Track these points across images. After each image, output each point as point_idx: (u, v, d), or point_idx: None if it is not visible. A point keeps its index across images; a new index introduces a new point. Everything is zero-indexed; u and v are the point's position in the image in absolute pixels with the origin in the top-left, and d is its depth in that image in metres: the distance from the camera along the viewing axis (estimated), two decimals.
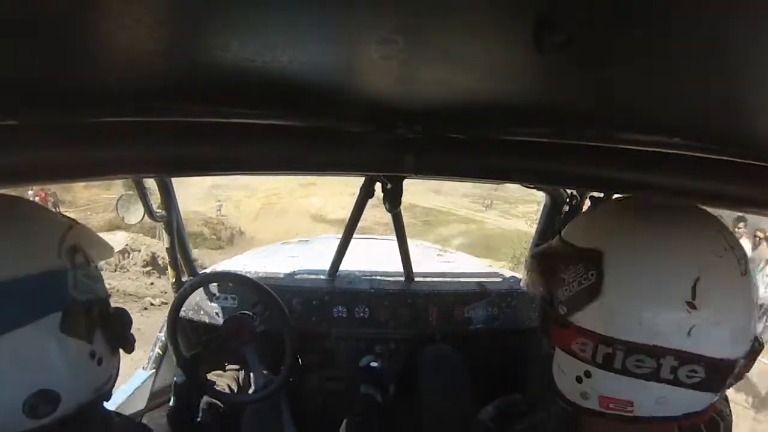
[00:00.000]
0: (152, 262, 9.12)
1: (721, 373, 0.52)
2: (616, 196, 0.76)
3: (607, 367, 0.53)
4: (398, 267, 1.65)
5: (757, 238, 5.23)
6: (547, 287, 0.61)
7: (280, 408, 1.36)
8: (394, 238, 1.59)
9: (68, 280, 0.58)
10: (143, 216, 1.43)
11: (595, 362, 0.54)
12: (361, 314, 1.52)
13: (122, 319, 0.67)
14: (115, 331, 0.65)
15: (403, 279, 1.63)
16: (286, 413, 1.36)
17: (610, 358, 0.53)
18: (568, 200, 1.45)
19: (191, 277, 1.63)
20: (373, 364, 1.30)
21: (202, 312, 1.57)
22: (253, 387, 1.36)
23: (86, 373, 0.59)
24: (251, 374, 1.37)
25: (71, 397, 0.57)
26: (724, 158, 0.64)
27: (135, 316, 0.78)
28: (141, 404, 1.57)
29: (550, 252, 0.65)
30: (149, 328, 3.31)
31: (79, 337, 0.58)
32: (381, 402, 1.13)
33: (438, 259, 2.36)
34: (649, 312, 0.52)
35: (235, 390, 1.38)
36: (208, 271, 1.74)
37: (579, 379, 0.56)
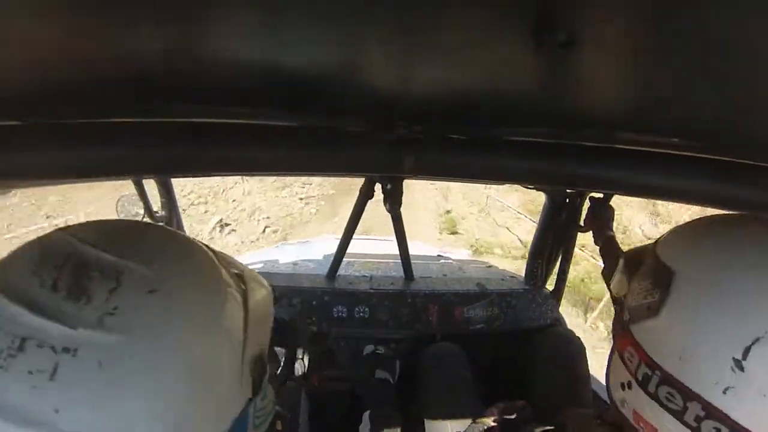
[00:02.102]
0: None
1: None
2: (728, 212, 0.68)
3: (643, 386, 0.52)
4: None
5: None
6: (624, 289, 0.60)
7: (299, 406, 1.36)
8: (394, 238, 1.59)
9: (249, 421, 0.41)
10: (143, 216, 1.43)
11: (635, 377, 0.53)
12: (361, 314, 1.52)
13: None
14: None
15: (403, 279, 1.63)
16: (305, 409, 1.36)
17: (647, 379, 0.51)
18: (568, 200, 1.45)
19: None
20: (378, 351, 1.29)
21: None
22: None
23: None
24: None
25: None
26: (724, 158, 0.64)
27: None
28: None
29: (637, 253, 0.61)
30: None
31: None
32: (393, 383, 1.14)
33: (438, 260, 2.36)
34: (695, 352, 0.47)
35: None
36: None
37: (623, 386, 0.56)
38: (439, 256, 2.46)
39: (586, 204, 1.28)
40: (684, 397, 0.48)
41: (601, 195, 1.18)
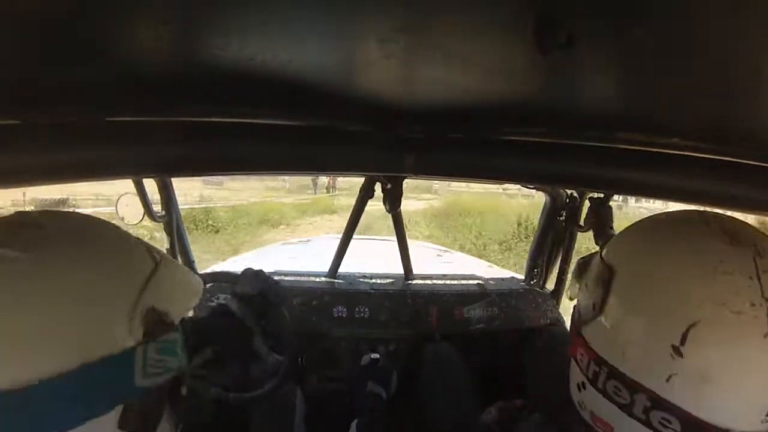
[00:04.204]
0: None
1: None
2: (671, 208, 0.68)
3: (593, 384, 0.53)
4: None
5: None
6: (576, 292, 0.61)
7: (295, 408, 1.35)
8: (394, 238, 1.59)
9: (136, 364, 0.44)
10: (143, 216, 1.43)
11: (587, 376, 0.54)
12: (361, 314, 1.52)
13: (192, 404, 0.53)
14: (181, 419, 0.52)
15: (403, 279, 1.63)
16: (301, 414, 1.36)
17: (596, 376, 0.52)
18: (568, 200, 1.45)
19: None
20: (374, 355, 1.29)
21: (202, 312, 1.56)
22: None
23: None
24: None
25: None
26: (725, 158, 0.64)
27: None
28: None
29: (587, 258, 0.62)
30: None
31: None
32: (385, 398, 1.13)
33: (438, 260, 2.36)
34: (636, 344, 0.49)
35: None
36: (208, 271, 1.74)
37: (578, 387, 0.57)
38: (439, 255, 2.46)
39: (586, 204, 1.28)
40: (630, 390, 0.48)
41: (601, 195, 1.18)
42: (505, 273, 1.93)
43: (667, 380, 0.46)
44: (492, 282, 1.66)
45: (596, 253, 0.61)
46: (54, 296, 0.41)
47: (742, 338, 0.44)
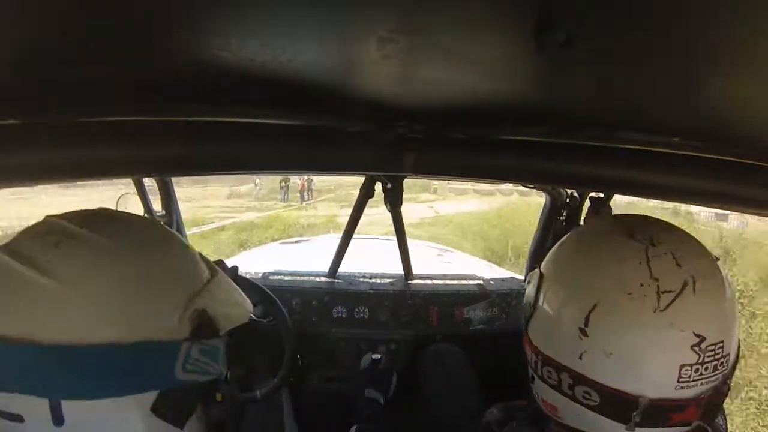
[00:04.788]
0: None
1: (620, 405, 0.52)
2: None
3: (535, 372, 0.61)
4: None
5: None
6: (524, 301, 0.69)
7: (282, 407, 1.36)
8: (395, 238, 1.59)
9: (179, 357, 0.48)
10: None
11: (531, 367, 0.62)
12: (361, 314, 1.51)
13: (226, 409, 0.55)
14: (211, 420, 0.54)
15: (403, 279, 1.63)
16: (289, 412, 1.36)
17: (536, 365, 0.61)
18: (568, 200, 1.45)
19: None
20: (375, 356, 1.29)
21: None
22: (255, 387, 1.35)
23: None
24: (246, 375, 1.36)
25: None
26: (724, 158, 0.64)
27: None
28: None
29: (534, 270, 0.71)
30: None
31: (171, 422, 0.48)
32: (383, 403, 1.13)
33: (438, 260, 2.36)
34: (555, 330, 0.57)
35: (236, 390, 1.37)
36: None
37: (531, 379, 0.64)
38: (439, 255, 2.46)
39: (586, 204, 1.27)
40: (557, 370, 0.56)
41: (601, 195, 1.18)
42: (506, 273, 1.93)
43: (580, 358, 0.54)
44: (492, 282, 1.65)
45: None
46: (127, 278, 0.46)
47: (635, 314, 0.51)
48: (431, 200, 14.92)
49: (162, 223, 1.49)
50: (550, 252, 0.67)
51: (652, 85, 0.44)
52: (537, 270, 0.65)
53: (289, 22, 0.34)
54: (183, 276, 0.51)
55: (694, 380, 0.51)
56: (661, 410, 0.52)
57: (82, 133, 0.59)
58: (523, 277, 1.71)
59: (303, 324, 1.46)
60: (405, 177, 1.09)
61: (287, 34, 0.36)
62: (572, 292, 0.56)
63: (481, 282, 1.64)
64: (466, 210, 12.46)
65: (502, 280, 1.71)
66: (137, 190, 1.36)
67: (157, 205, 1.46)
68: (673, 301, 0.50)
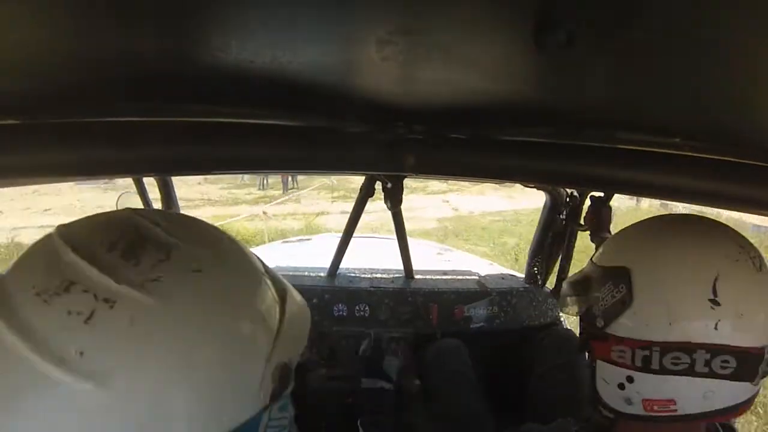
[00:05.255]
0: None
1: (752, 362, 0.56)
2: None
3: (646, 369, 0.58)
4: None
5: None
6: (585, 306, 0.67)
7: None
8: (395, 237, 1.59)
9: (260, 429, 0.39)
10: None
11: (635, 366, 0.59)
12: (362, 313, 1.52)
13: None
14: None
15: (403, 277, 1.63)
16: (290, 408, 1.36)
17: (647, 360, 0.58)
18: (568, 200, 1.45)
19: None
20: (366, 351, 1.28)
21: None
22: None
23: None
24: None
25: None
26: (724, 158, 0.64)
27: None
28: None
29: (583, 277, 0.70)
30: None
31: None
32: (384, 387, 1.13)
33: (438, 258, 2.36)
34: (678, 313, 0.57)
35: None
36: None
37: (622, 386, 0.61)
38: (439, 254, 2.46)
39: (586, 204, 1.27)
40: (689, 352, 0.56)
41: (601, 195, 1.18)
42: (506, 271, 1.93)
43: (716, 327, 0.55)
44: (492, 280, 1.66)
45: (584, 269, 0.70)
46: (187, 358, 0.35)
47: (747, 275, 0.57)
48: (443, 191, 11.99)
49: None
50: (619, 245, 0.68)
51: (652, 85, 0.44)
52: (601, 271, 0.65)
53: (289, 23, 0.34)
54: (257, 330, 0.40)
55: None
56: None
57: (82, 133, 0.59)
58: (522, 276, 1.71)
59: None
60: (405, 177, 1.09)
61: (287, 36, 0.36)
62: (688, 272, 0.58)
63: (481, 280, 1.64)
64: (491, 209, 10.35)
65: (502, 278, 1.71)
66: (137, 190, 1.36)
67: (157, 205, 1.46)
68: (762, 263, 0.58)
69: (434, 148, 0.74)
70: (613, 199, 1.19)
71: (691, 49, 0.34)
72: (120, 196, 1.48)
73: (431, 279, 1.64)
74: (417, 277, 1.63)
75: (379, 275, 1.63)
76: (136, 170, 0.85)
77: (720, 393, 0.57)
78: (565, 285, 0.73)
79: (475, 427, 1.16)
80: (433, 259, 2.31)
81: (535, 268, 1.64)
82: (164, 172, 1.18)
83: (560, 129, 0.64)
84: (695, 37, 0.32)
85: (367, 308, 1.52)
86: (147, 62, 0.43)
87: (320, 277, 1.60)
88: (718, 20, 0.29)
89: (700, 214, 0.68)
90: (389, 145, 0.72)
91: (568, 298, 0.71)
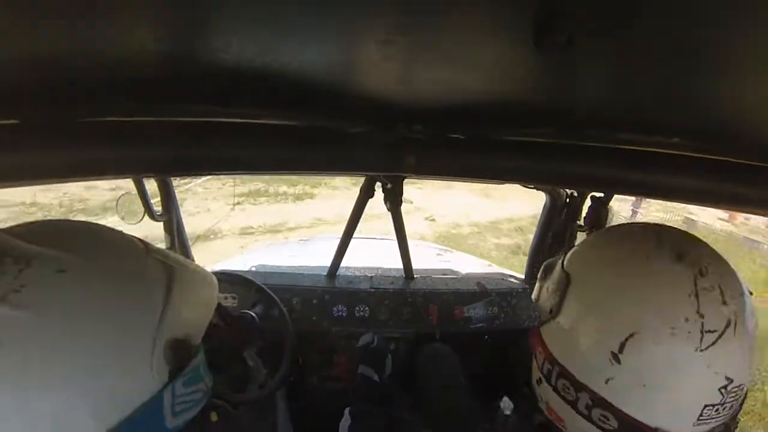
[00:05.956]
0: None
1: None
2: (617, 223, 0.75)
3: (547, 380, 0.58)
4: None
5: None
6: (536, 295, 0.66)
7: (276, 406, 1.36)
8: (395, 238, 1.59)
9: (165, 407, 0.39)
10: (143, 216, 1.43)
11: (542, 373, 0.59)
12: (361, 313, 1.52)
13: (222, 422, 0.47)
14: None
15: (403, 278, 1.63)
16: (284, 412, 1.36)
17: (549, 373, 0.58)
18: (568, 200, 1.45)
19: None
20: (372, 344, 1.29)
21: None
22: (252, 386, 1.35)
23: None
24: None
25: None
26: (724, 158, 0.64)
27: None
28: None
29: (549, 263, 0.67)
30: None
31: None
32: (378, 380, 1.14)
33: (438, 259, 2.36)
34: (582, 347, 0.53)
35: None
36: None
37: (537, 382, 0.61)
38: (439, 254, 2.46)
39: (587, 204, 1.27)
40: (576, 388, 0.54)
41: (601, 195, 1.18)
42: (505, 272, 1.93)
43: (606, 383, 0.51)
44: (492, 281, 1.66)
45: (560, 258, 0.65)
46: (68, 363, 0.34)
47: (674, 351, 0.48)
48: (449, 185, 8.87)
49: (162, 223, 1.50)
50: (578, 252, 0.61)
51: (651, 85, 0.44)
52: (559, 269, 0.60)
53: (289, 23, 0.34)
54: (138, 311, 0.40)
55: (711, 418, 0.50)
56: None
57: (82, 133, 0.59)
58: (522, 276, 1.71)
59: (303, 323, 1.46)
60: (405, 177, 1.09)
61: (288, 36, 0.36)
62: (609, 314, 0.52)
63: (480, 281, 1.64)
64: (510, 214, 8.24)
65: (502, 279, 1.71)
66: (137, 190, 1.36)
67: (157, 206, 1.46)
68: (715, 342, 0.48)
69: (434, 148, 0.74)
70: (613, 199, 1.19)
71: (690, 49, 0.34)
72: (120, 197, 1.48)
73: (431, 279, 1.64)
74: (417, 277, 1.63)
75: (378, 275, 1.63)
76: (136, 170, 0.85)
77: None
78: (541, 268, 0.70)
79: (466, 423, 1.16)
80: (433, 260, 2.31)
81: (535, 269, 1.64)
82: (164, 172, 1.18)
83: (560, 129, 0.64)
84: (695, 37, 0.32)
85: (366, 309, 1.52)
86: (147, 62, 0.43)
87: (320, 278, 1.60)
88: (717, 20, 0.29)
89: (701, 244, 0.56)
90: (389, 146, 0.72)
91: (537, 282, 0.68)
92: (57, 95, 0.51)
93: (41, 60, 0.40)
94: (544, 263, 0.69)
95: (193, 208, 6.97)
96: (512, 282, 1.70)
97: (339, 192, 9.08)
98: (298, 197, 8.81)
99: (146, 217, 1.44)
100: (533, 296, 0.69)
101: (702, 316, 0.48)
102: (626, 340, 0.49)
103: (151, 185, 1.45)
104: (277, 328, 1.33)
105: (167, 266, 0.45)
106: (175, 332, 0.41)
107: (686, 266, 0.50)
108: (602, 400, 0.51)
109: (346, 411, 0.97)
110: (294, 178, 8.58)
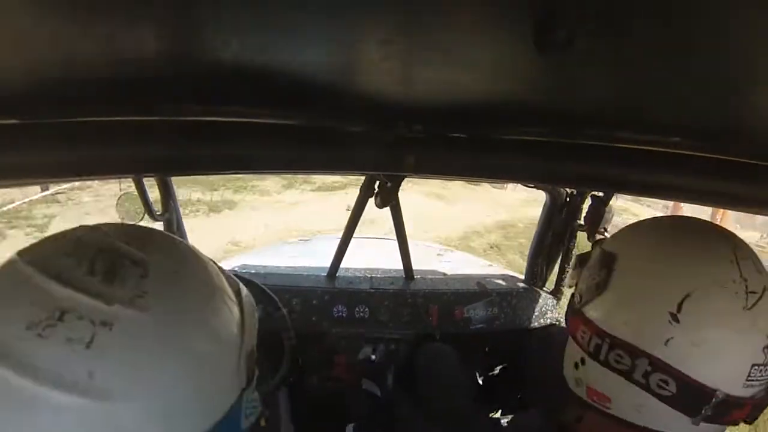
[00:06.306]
0: None
1: (695, 397, 0.52)
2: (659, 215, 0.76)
3: (594, 356, 0.58)
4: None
5: None
6: (576, 280, 0.67)
7: (278, 407, 1.36)
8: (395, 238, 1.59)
9: (242, 412, 0.44)
10: (143, 216, 1.43)
11: (588, 350, 0.59)
12: (361, 314, 1.51)
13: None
14: None
15: (403, 278, 1.63)
16: (286, 412, 1.36)
17: (598, 348, 0.58)
18: (568, 199, 1.45)
19: None
20: (372, 356, 1.29)
21: None
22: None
23: None
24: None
25: None
26: (724, 158, 0.64)
27: None
28: None
29: (582, 254, 0.69)
30: None
31: None
32: (381, 395, 1.14)
33: (438, 259, 2.36)
34: (636, 313, 0.55)
35: None
36: None
37: (576, 365, 0.61)
38: (439, 254, 2.46)
39: (587, 203, 1.28)
40: (632, 356, 0.54)
41: (601, 194, 1.18)
42: (505, 272, 1.93)
43: (666, 344, 0.52)
44: (492, 281, 1.66)
45: (594, 248, 0.67)
46: (182, 365, 0.38)
47: (727, 309, 0.51)
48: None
49: (162, 222, 1.50)
50: (620, 235, 0.64)
51: (651, 84, 0.44)
52: (599, 251, 0.62)
53: (289, 23, 0.34)
54: (226, 324, 0.43)
55: (757, 380, 0.52)
56: (727, 406, 0.52)
57: (82, 133, 0.59)
58: (522, 276, 1.71)
59: (303, 323, 1.46)
60: (405, 177, 1.09)
61: (287, 35, 0.36)
62: (664, 277, 0.54)
63: (481, 281, 1.64)
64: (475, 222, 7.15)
65: (502, 279, 1.71)
66: (137, 189, 1.36)
67: (157, 205, 1.46)
68: (757, 302, 0.51)
69: (434, 147, 0.74)
70: (612, 199, 1.19)
71: (690, 48, 0.34)
72: (120, 197, 1.48)
73: (431, 280, 1.64)
74: (417, 277, 1.63)
75: (378, 276, 1.63)
76: (136, 170, 0.85)
77: (654, 412, 0.54)
78: (574, 257, 0.73)
79: (468, 425, 1.16)
80: (433, 260, 2.31)
81: (535, 269, 1.64)
82: (164, 172, 1.18)
83: (560, 129, 0.64)
84: (694, 37, 0.32)
85: (366, 309, 1.52)
86: (147, 62, 0.43)
87: (320, 278, 1.60)
88: (717, 20, 0.29)
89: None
90: (389, 145, 0.72)
91: (572, 270, 0.72)
92: (57, 95, 0.51)
93: (41, 60, 0.40)
94: (578, 255, 0.70)
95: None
96: (512, 282, 1.70)
97: (268, 200, 7.88)
98: (213, 208, 7.25)
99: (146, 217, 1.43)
100: (568, 283, 0.71)
101: (745, 279, 0.52)
102: (683, 300, 0.51)
103: (151, 184, 1.45)
104: (277, 329, 1.33)
105: (231, 278, 0.49)
106: (249, 341, 0.45)
107: (725, 239, 0.55)
108: (661, 363, 0.52)
109: (349, 427, 0.97)
110: (212, 179, 7.54)
